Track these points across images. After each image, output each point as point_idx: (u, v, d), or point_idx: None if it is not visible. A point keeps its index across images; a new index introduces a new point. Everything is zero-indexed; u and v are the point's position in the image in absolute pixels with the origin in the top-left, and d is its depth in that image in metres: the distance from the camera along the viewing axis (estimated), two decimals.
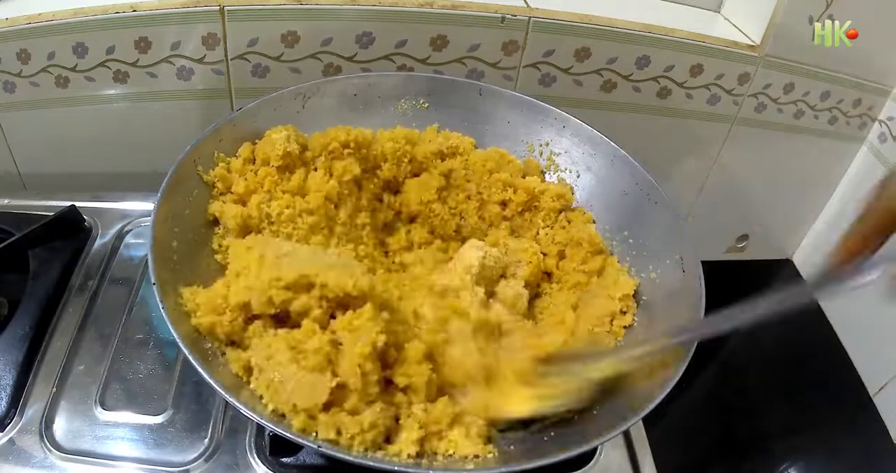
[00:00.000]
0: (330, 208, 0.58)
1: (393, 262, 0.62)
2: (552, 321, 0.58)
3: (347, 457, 0.42)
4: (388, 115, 0.67)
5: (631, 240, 0.62)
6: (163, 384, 0.58)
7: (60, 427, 0.54)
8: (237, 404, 0.42)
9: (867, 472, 0.83)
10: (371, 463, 0.43)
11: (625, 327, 0.56)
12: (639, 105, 0.84)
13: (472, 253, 0.57)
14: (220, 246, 0.56)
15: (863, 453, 0.85)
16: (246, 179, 0.57)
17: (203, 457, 0.53)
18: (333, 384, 0.44)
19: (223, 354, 0.48)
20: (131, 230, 0.72)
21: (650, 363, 0.49)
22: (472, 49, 0.76)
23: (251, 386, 0.46)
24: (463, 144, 0.66)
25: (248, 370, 0.47)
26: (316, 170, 0.59)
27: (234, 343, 0.49)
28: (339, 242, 0.58)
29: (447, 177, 0.64)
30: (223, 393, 0.42)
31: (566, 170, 0.67)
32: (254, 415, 0.42)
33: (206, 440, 0.54)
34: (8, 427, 0.54)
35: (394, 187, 0.64)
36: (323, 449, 0.42)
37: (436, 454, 0.47)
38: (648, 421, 0.56)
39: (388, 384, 0.48)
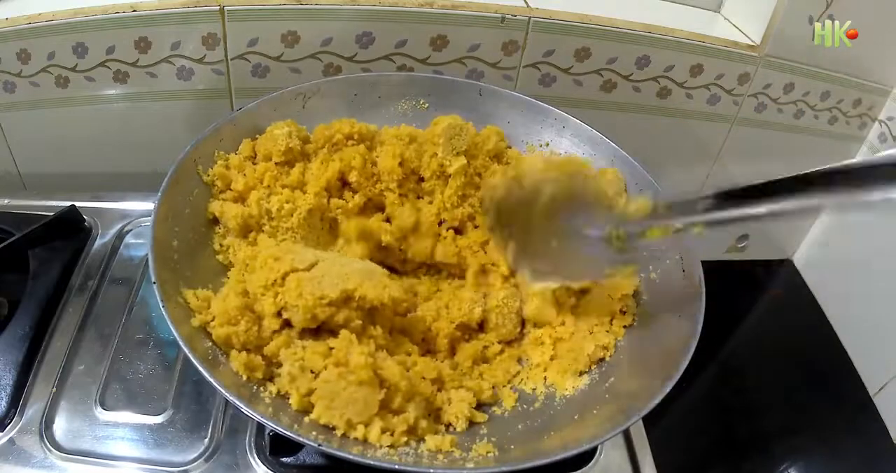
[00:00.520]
0: (324, 203, 0.58)
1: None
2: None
3: (348, 456, 0.43)
4: (388, 116, 0.67)
5: None
6: (163, 384, 0.58)
7: (60, 427, 0.54)
8: (239, 404, 0.42)
9: (867, 472, 0.83)
10: (371, 462, 0.43)
11: (625, 327, 0.56)
12: (639, 105, 0.84)
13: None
14: (221, 245, 0.56)
15: (863, 453, 0.84)
16: (245, 175, 0.57)
17: (203, 457, 0.53)
18: (382, 395, 0.46)
19: (224, 354, 0.48)
20: (131, 230, 0.72)
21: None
22: (472, 49, 0.76)
23: (273, 391, 0.47)
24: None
25: (264, 376, 0.48)
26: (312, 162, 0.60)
27: (249, 350, 0.49)
28: (344, 243, 0.59)
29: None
30: (224, 392, 0.43)
31: None
32: (254, 414, 0.42)
33: (206, 440, 0.54)
34: (8, 427, 0.54)
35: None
36: (324, 448, 0.42)
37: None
38: (648, 421, 0.56)
39: None
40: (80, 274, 0.66)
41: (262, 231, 0.57)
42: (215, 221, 0.57)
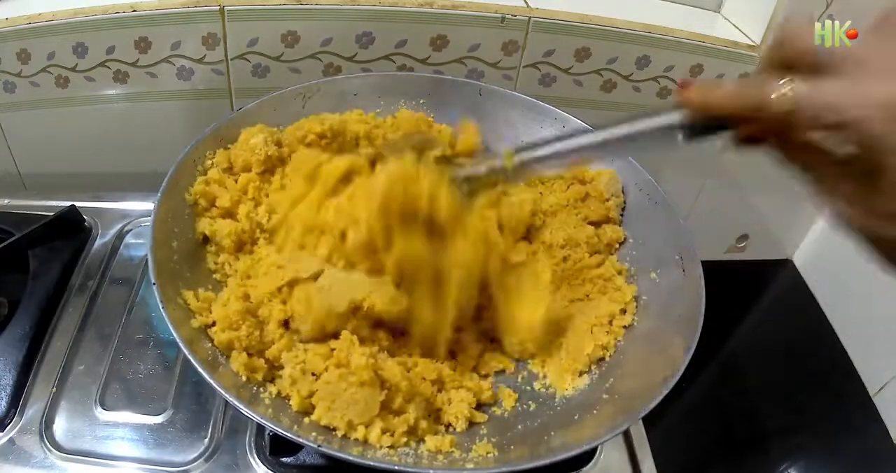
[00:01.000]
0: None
1: None
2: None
3: (348, 457, 0.43)
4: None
5: (631, 240, 0.62)
6: (163, 384, 0.58)
7: (60, 427, 0.54)
8: (238, 405, 0.42)
9: (867, 472, 0.83)
10: (371, 463, 0.43)
11: (625, 327, 0.56)
12: (639, 105, 0.84)
13: None
14: (216, 263, 0.55)
15: (863, 453, 0.84)
16: (227, 189, 0.56)
17: (203, 457, 0.53)
18: (383, 396, 0.46)
19: (225, 356, 0.48)
20: (131, 230, 0.72)
21: None
22: (472, 49, 0.76)
23: (273, 392, 0.47)
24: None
25: (265, 378, 0.48)
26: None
27: (251, 353, 0.49)
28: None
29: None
30: (224, 393, 0.43)
31: None
32: (254, 415, 0.42)
33: (206, 440, 0.54)
34: (8, 427, 0.54)
35: None
36: (323, 449, 0.42)
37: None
38: (648, 421, 0.56)
39: None
40: (80, 274, 0.66)
41: (256, 243, 0.56)
42: (205, 239, 0.56)
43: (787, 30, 0.36)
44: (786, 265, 1.08)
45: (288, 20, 0.71)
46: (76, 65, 0.72)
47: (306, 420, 0.46)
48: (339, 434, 0.45)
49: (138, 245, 0.71)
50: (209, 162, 0.58)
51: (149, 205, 0.63)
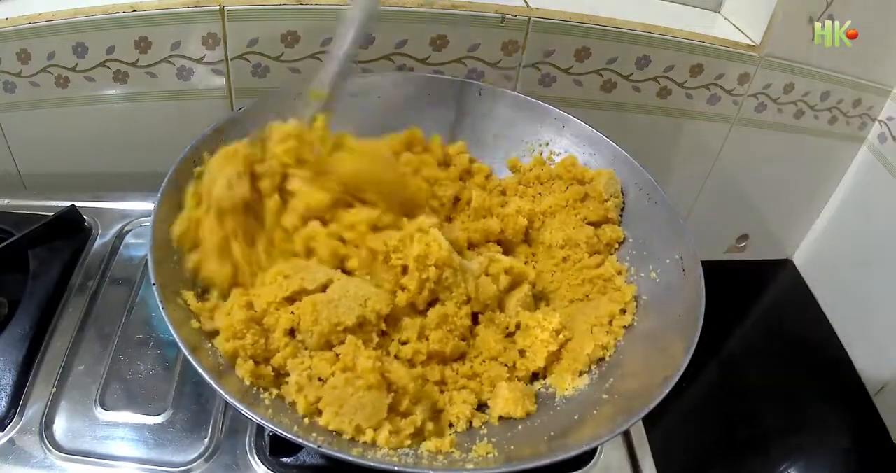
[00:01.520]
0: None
1: None
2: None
3: (348, 457, 0.42)
4: (387, 115, 0.67)
5: (631, 240, 0.62)
6: (163, 384, 0.58)
7: (60, 427, 0.54)
8: (239, 406, 0.42)
9: (867, 472, 0.83)
10: (371, 463, 0.43)
11: (625, 327, 0.56)
12: (639, 105, 0.84)
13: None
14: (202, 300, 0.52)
15: (863, 453, 0.85)
16: (211, 232, 0.51)
17: (203, 457, 0.53)
18: (390, 399, 0.46)
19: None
20: (131, 230, 0.72)
21: None
22: (472, 49, 0.76)
23: (273, 393, 0.47)
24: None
25: (271, 380, 0.48)
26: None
27: (257, 362, 0.49)
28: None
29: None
30: (224, 394, 0.43)
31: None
32: (254, 416, 0.42)
33: (206, 440, 0.54)
34: (8, 427, 0.54)
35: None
36: (323, 449, 0.42)
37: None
38: (648, 421, 0.56)
39: None
40: (80, 274, 0.66)
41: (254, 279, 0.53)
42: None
43: None
44: (786, 265, 1.08)
45: (288, 20, 0.71)
46: (76, 65, 0.72)
47: (306, 420, 0.46)
48: (347, 437, 0.45)
49: (138, 245, 0.71)
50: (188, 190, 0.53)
51: (149, 205, 0.63)
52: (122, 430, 0.54)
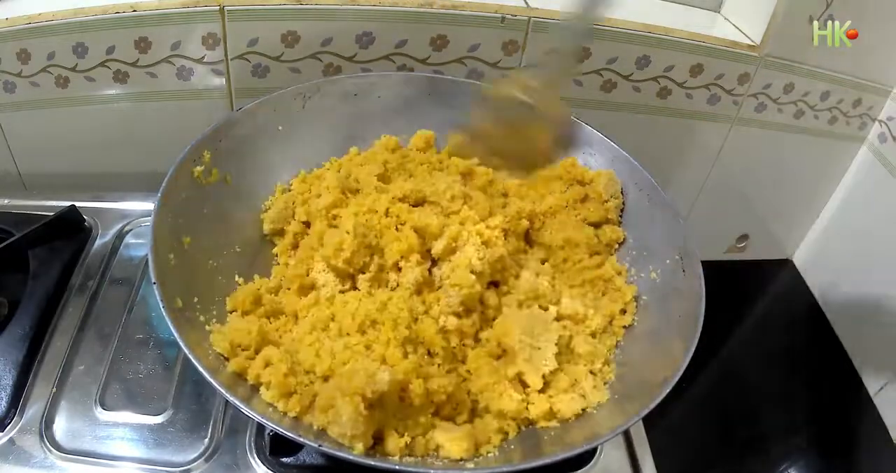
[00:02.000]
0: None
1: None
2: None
3: (348, 457, 0.42)
4: (387, 115, 0.67)
5: (631, 240, 0.62)
6: (163, 384, 0.58)
7: (60, 427, 0.54)
8: (239, 405, 0.42)
9: (867, 472, 0.83)
10: (371, 463, 0.43)
11: (625, 327, 0.56)
12: (639, 105, 0.84)
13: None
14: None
15: (863, 453, 0.84)
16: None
17: (203, 457, 0.53)
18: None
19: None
20: (131, 230, 0.72)
21: None
22: (472, 49, 0.76)
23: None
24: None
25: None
26: None
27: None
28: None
29: None
30: (225, 393, 0.43)
31: None
32: (254, 414, 0.42)
33: (206, 440, 0.54)
34: (8, 427, 0.54)
35: None
36: (323, 449, 0.42)
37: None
38: (648, 421, 0.56)
39: None
40: (80, 274, 0.67)
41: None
42: None
43: None
44: (786, 265, 1.08)
45: (288, 20, 0.71)
46: (76, 65, 0.72)
47: (307, 417, 0.46)
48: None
49: (138, 245, 0.71)
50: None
51: (149, 205, 0.63)
52: (122, 430, 0.54)
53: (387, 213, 0.56)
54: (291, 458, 0.54)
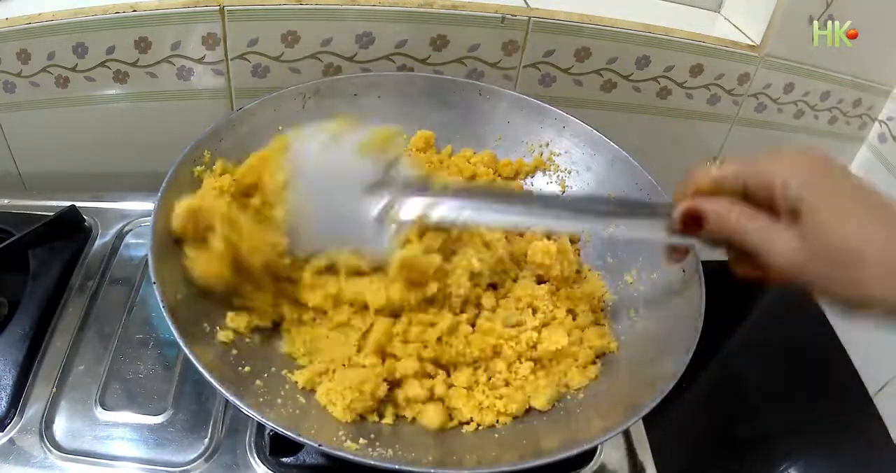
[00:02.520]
0: None
1: None
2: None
3: (348, 456, 0.43)
4: (387, 115, 0.67)
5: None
6: (163, 384, 0.58)
7: (60, 427, 0.54)
8: (239, 404, 0.42)
9: (867, 472, 0.83)
10: (371, 462, 0.43)
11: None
12: (639, 105, 0.84)
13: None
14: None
15: (863, 453, 0.84)
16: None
17: (203, 457, 0.53)
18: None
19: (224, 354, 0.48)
20: (131, 230, 0.72)
21: None
22: (472, 49, 0.76)
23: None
24: None
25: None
26: None
27: None
28: None
29: None
30: (225, 392, 0.43)
31: (566, 170, 0.67)
32: (254, 414, 0.42)
33: (206, 440, 0.54)
34: (8, 427, 0.54)
35: None
36: (323, 449, 0.42)
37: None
38: (648, 421, 0.56)
39: None
40: (80, 274, 0.66)
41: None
42: None
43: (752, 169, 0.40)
44: None
45: (288, 20, 0.71)
46: (76, 65, 0.72)
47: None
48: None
49: (138, 245, 0.71)
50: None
51: (149, 205, 0.63)
52: (122, 430, 0.54)
53: None
54: (291, 458, 0.54)
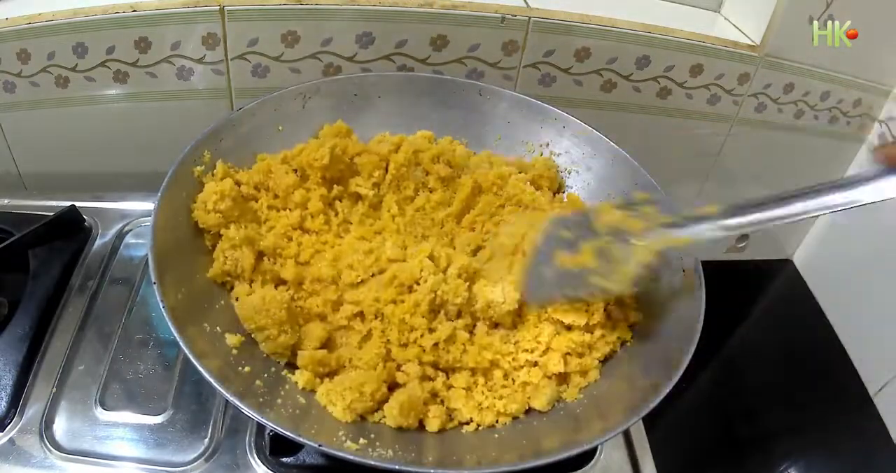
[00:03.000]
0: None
1: None
2: None
3: (348, 456, 0.43)
4: (387, 115, 0.67)
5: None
6: (163, 384, 0.58)
7: (60, 427, 0.54)
8: (239, 404, 0.42)
9: (867, 472, 0.83)
10: (371, 462, 0.43)
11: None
12: (639, 105, 0.84)
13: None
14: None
15: (863, 453, 0.84)
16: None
17: (203, 457, 0.53)
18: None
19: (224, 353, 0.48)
20: (131, 230, 0.72)
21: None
22: (472, 49, 0.76)
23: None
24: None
25: None
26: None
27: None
28: None
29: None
30: (224, 392, 0.43)
31: (566, 170, 0.67)
32: (254, 414, 0.42)
33: (206, 440, 0.54)
34: (8, 427, 0.54)
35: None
36: (323, 449, 0.42)
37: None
38: (648, 421, 0.56)
39: None
40: (80, 274, 0.66)
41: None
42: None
43: None
44: (786, 265, 1.08)
45: (288, 20, 0.71)
46: (76, 65, 0.72)
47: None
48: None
49: (138, 245, 0.71)
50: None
51: (149, 205, 0.63)
52: (122, 430, 0.54)
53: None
54: (291, 458, 0.54)
